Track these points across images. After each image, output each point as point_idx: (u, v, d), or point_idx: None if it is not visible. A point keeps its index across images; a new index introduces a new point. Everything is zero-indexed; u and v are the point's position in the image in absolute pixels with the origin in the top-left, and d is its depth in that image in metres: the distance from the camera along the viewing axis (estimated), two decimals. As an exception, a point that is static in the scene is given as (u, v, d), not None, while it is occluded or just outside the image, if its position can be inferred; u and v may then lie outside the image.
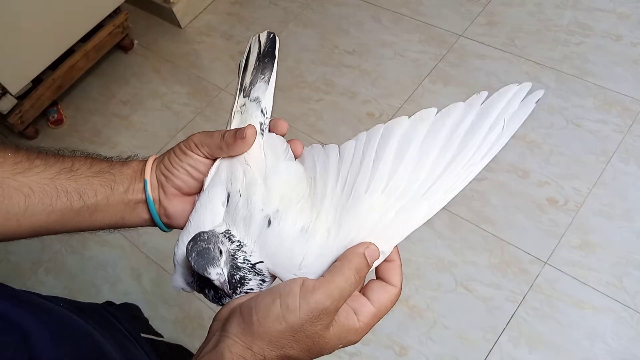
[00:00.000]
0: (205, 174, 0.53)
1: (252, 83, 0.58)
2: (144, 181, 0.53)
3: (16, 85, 1.99)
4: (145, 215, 0.55)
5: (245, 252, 0.46)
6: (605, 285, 1.51)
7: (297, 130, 1.99)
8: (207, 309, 1.65)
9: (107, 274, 1.81)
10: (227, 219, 0.49)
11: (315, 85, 2.11)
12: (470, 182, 0.49)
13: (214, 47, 2.36)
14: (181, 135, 2.09)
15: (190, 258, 0.43)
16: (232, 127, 0.54)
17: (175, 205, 0.54)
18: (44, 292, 0.58)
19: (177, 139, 2.07)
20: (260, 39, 0.61)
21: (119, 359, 0.51)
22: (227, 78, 2.23)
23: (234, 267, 0.45)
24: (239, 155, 0.51)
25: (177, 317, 1.67)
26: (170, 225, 0.55)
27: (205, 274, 0.43)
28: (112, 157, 0.57)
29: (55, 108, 2.23)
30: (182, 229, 0.53)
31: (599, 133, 1.77)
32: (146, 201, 0.54)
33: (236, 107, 0.57)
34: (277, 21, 2.37)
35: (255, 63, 0.60)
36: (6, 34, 1.84)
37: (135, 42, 2.44)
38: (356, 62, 2.15)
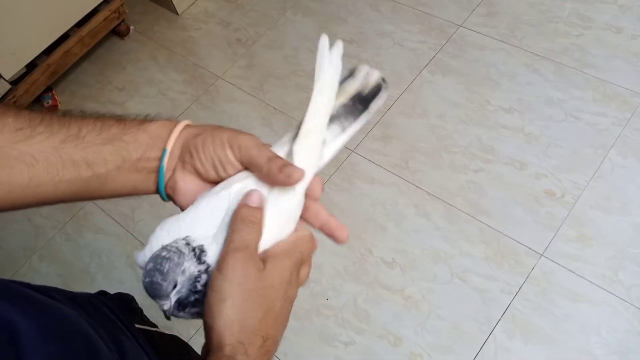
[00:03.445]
0: (229, 175, 0.49)
1: (331, 120, 0.51)
2: (164, 151, 0.50)
3: (10, 70, 1.97)
4: (156, 185, 0.52)
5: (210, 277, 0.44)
6: (601, 278, 1.51)
7: (295, 119, 1.98)
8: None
9: (102, 261, 1.80)
10: (217, 235, 0.46)
11: (313, 74, 2.09)
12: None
13: (211, 34, 2.34)
14: (177, 122, 2.07)
15: (143, 280, 0.42)
16: (293, 157, 0.48)
17: (187, 182, 0.50)
18: (38, 280, 0.57)
19: (173, 127, 2.05)
20: (369, 76, 0.53)
21: (111, 354, 0.50)
22: (225, 66, 2.21)
23: (192, 291, 0.44)
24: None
25: (172, 306, 1.67)
26: (172, 198, 0.52)
27: (154, 300, 0.42)
28: (126, 117, 0.52)
29: (49, 94, 2.21)
30: (180, 206, 0.50)
31: (597, 126, 1.77)
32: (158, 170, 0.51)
33: (304, 131, 0.50)
34: (275, 8, 2.35)
35: (349, 101, 0.52)
36: (0, 17, 1.82)
37: (132, 28, 2.41)
38: (354, 51, 2.13)
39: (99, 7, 2.18)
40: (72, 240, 1.86)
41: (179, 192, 0.50)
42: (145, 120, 0.52)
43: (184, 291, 0.43)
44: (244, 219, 0.44)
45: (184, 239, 0.44)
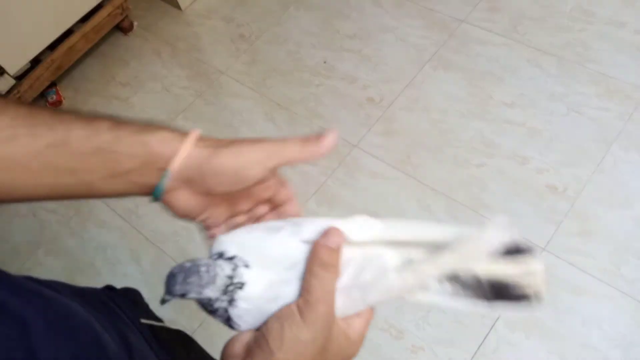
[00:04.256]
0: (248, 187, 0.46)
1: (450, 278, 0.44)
2: (165, 172, 0.45)
3: (14, 66, 1.98)
4: (150, 194, 0.48)
5: (232, 309, 0.43)
6: (603, 272, 1.51)
7: (297, 115, 1.99)
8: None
9: (107, 255, 1.81)
10: (272, 284, 0.44)
11: (316, 70, 2.10)
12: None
13: (215, 30, 2.34)
14: (181, 118, 2.08)
15: (174, 266, 0.42)
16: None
17: (191, 201, 0.47)
18: (43, 273, 0.57)
19: (177, 122, 2.06)
20: (530, 272, 0.42)
21: (118, 349, 0.49)
22: (228, 61, 2.22)
23: (201, 304, 0.44)
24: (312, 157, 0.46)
25: (176, 300, 1.68)
26: (166, 206, 0.48)
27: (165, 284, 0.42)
28: (124, 121, 0.46)
29: (54, 89, 2.22)
30: (172, 213, 0.48)
31: (600, 120, 1.77)
32: (155, 187, 0.46)
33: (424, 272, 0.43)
34: (277, 4, 2.35)
35: (485, 279, 0.43)
36: (5, 13, 1.83)
37: (135, 23, 2.42)
38: (357, 46, 2.13)
39: (102, 3, 2.19)
40: (77, 234, 1.87)
41: (176, 207, 0.48)
42: (146, 128, 0.45)
43: (192, 297, 0.43)
44: (324, 264, 0.43)
45: (234, 267, 0.43)
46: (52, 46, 2.10)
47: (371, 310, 0.46)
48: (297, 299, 0.43)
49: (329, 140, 0.45)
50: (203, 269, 0.42)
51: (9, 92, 2.02)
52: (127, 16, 2.33)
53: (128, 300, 0.69)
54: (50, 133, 0.43)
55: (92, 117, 0.45)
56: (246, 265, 0.43)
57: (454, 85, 1.95)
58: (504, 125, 1.82)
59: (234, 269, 0.43)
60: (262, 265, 0.44)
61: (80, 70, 2.32)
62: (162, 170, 0.45)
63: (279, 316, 0.42)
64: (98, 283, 0.71)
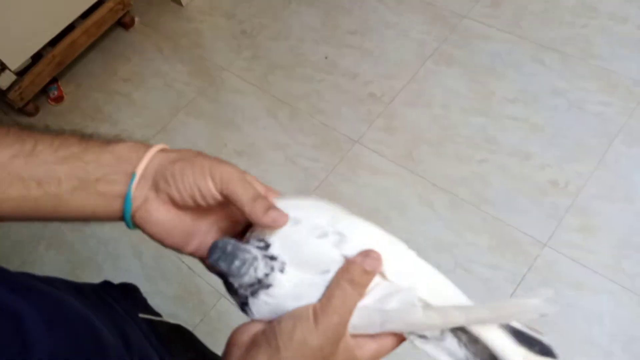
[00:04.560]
0: (208, 205, 0.47)
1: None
2: (132, 176, 0.45)
3: (16, 61, 1.98)
4: (121, 212, 0.48)
5: (252, 299, 0.44)
6: (605, 267, 1.51)
7: (299, 110, 1.98)
8: (206, 285, 1.66)
9: (109, 250, 1.82)
10: (298, 287, 0.44)
11: (318, 65, 2.10)
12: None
13: (216, 26, 2.34)
14: (183, 114, 2.08)
15: (215, 244, 0.43)
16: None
17: (162, 213, 0.47)
18: (45, 268, 0.57)
19: (179, 118, 2.06)
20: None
21: (116, 343, 0.49)
22: (229, 57, 2.21)
23: (225, 280, 0.45)
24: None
25: (177, 293, 1.68)
26: (141, 228, 0.48)
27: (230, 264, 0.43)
28: (93, 135, 0.48)
29: (55, 85, 2.22)
30: (151, 236, 0.48)
31: (602, 116, 1.76)
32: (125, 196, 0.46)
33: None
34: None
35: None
36: (6, 8, 1.83)
37: (137, 19, 2.41)
38: (359, 42, 2.13)
39: (104, -1, 2.19)
40: (79, 229, 1.88)
41: (152, 223, 0.47)
42: (113, 140, 0.47)
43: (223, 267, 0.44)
44: (352, 281, 0.42)
45: (270, 270, 0.44)
46: (54, 42, 2.10)
47: (389, 343, 0.45)
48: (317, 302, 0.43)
49: (273, 219, 0.44)
50: (237, 262, 0.43)
51: (10, 87, 2.02)
52: (128, 12, 2.33)
53: (126, 296, 0.69)
54: (18, 144, 0.44)
55: (60, 132, 0.47)
56: (282, 270, 0.44)
57: (456, 81, 1.94)
58: (506, 121, 1.82)
59: (269, 273, 0.43)
60: (297, 264, 0.44)
61: (82, 65, 2.32)
62: (130, 175, 0.46)
63: (294, 315, 0.42)
64: (99, 278, 0.72)
